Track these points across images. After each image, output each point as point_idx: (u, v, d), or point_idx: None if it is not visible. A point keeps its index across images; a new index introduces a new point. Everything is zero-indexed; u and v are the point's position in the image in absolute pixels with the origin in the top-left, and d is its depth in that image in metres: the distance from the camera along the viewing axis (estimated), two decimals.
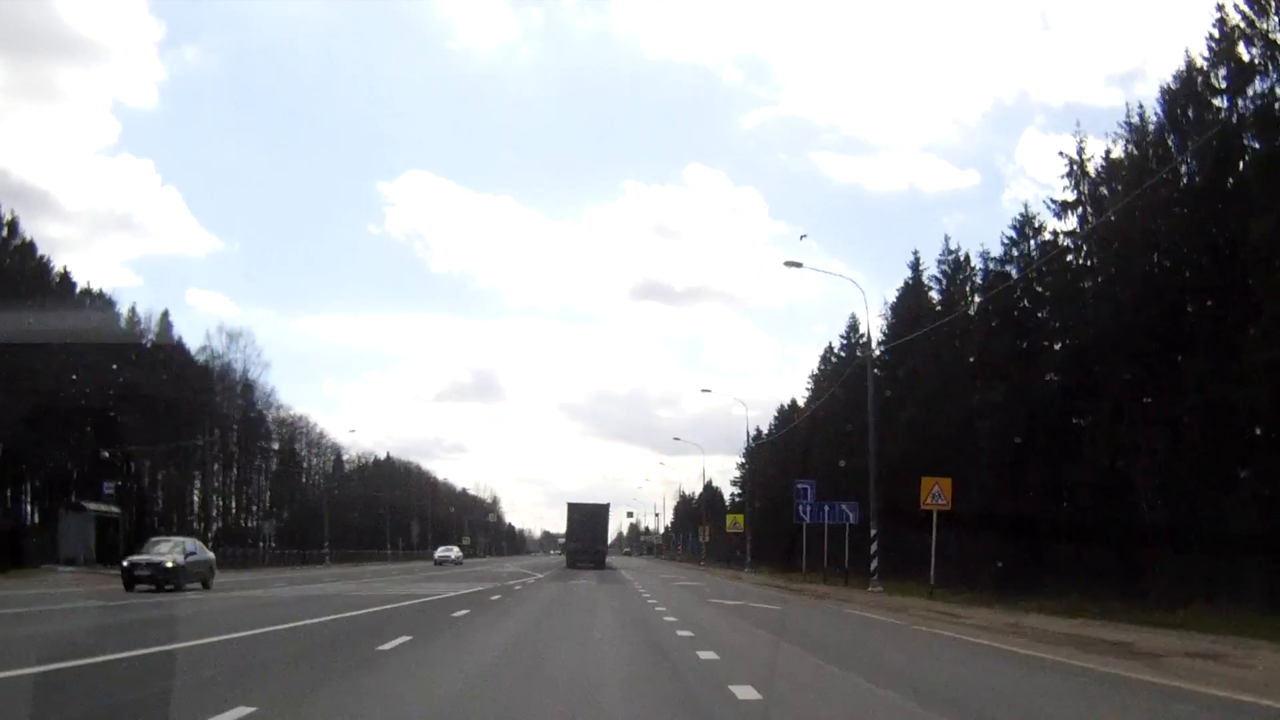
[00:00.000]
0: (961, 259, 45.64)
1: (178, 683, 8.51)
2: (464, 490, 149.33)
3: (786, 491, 68.14)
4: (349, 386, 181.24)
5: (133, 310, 63.14)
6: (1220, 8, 25.78)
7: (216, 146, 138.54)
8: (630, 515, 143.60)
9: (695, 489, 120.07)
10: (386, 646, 12.12)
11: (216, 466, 72.40)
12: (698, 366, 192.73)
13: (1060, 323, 36.36)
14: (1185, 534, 24.60)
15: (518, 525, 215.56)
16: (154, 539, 30.72)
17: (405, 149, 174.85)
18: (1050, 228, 36.62)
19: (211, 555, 31.91)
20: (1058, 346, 36.79)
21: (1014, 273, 38.05)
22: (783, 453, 72.43)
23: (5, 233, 50.41)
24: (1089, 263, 35.66)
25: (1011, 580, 28.92)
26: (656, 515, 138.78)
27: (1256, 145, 25.66)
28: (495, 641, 14.04)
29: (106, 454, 48.08)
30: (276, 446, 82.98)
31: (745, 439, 67.89)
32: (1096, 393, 31.71)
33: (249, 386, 76.46)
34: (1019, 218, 38.08)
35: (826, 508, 36.82)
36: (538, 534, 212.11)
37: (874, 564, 30.83)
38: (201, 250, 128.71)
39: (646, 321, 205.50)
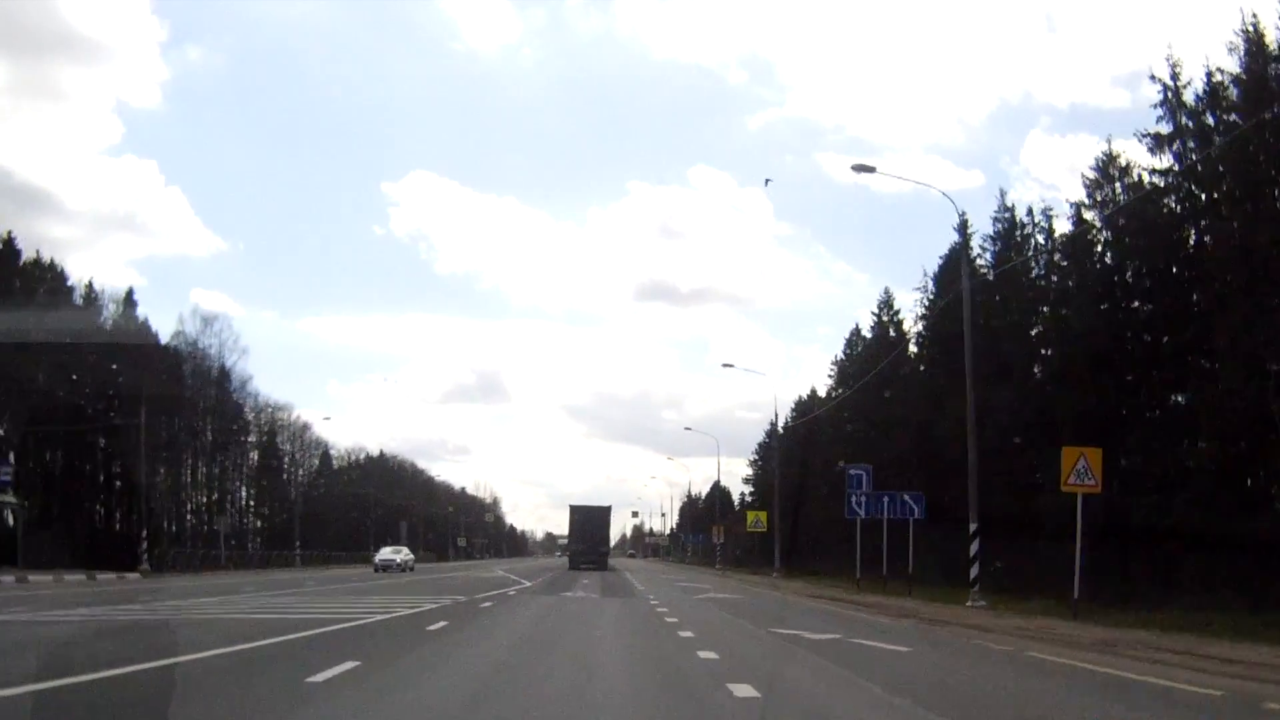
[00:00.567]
0: (1025, 215, 39.39)
1: None
2: (462, 490, 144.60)
3: (804, 489, 62.65)
4: (352, 388, 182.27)
5: (90, 287, 57.13)
6: None
7: (220, 147, 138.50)
8: (635, 515, 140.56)
9: (700, 490, 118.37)
10: None
11: (186, 458, 66.25)
12: (703, 368, 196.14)
13: (1153, 281, 30.37)
14: None
15: (522, 527, 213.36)
16: None
17: (409, 149, 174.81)
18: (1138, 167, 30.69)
19: None
20: (1149, 307, 30.91)
21: (1096, 220, 32.16)
22: (804, 447, 66.59)
23: None
24: (1187, 206, 29.70)
25: (1129, 590, 22.92)
26: (663, 515, 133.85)
27: None
28: None
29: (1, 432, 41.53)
30: (254, 438, 76.81)
31: (772, 421, 61.88)
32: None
33: (225, 373, 70.74)
34: (1102, 156, 32.12)
35: (885, 499, 30.26)
36: (540, 536, 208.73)
37: (975, 570, 24.20)
38: (205, 251, 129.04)
39: (651, 322, 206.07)
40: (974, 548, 24.09)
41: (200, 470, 68.45)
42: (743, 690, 8.79)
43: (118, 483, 56.64)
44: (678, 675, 10.34)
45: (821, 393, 74.22)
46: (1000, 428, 34.48)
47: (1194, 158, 28.87)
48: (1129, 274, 31.47)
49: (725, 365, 61.21)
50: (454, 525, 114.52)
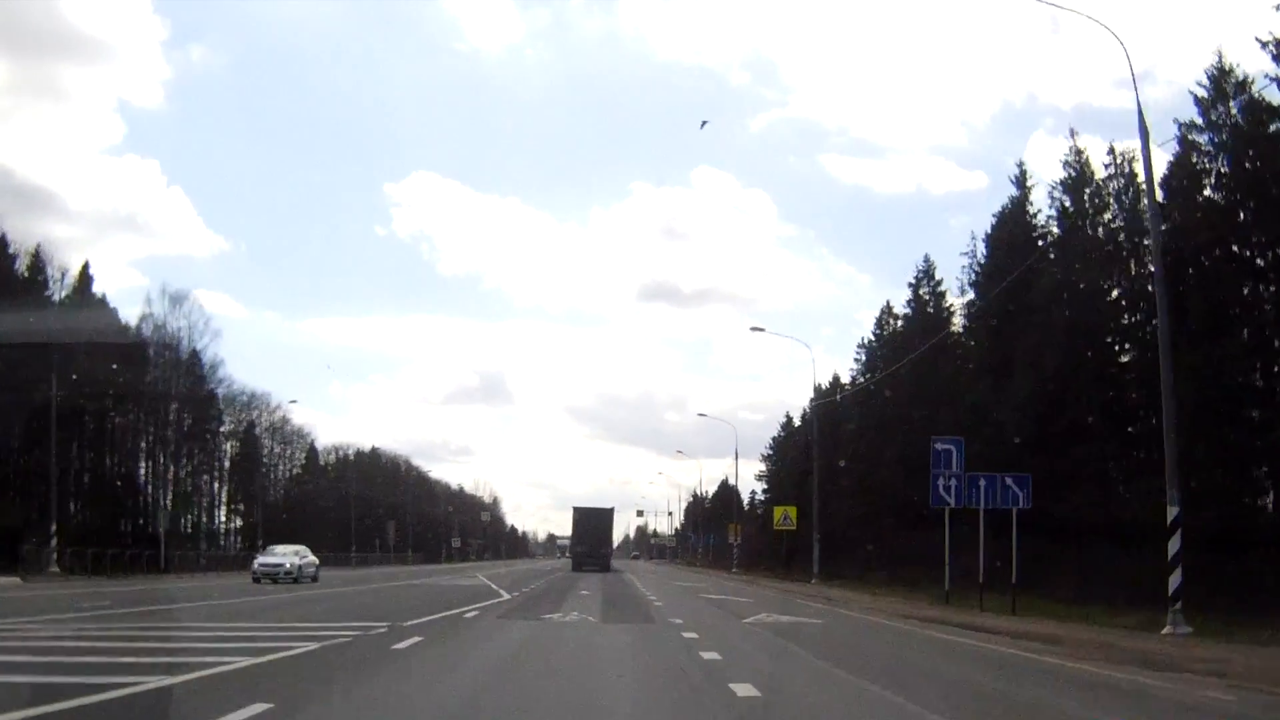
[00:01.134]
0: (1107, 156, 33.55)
1: None
2: (460, 489, 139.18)
3: (826, 486, 56.90)
4: (355, 389, 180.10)
5: (35, 254, 51.46)
6: None
7: (222, 147, 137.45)
8: (640, 514, 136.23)
9: (705, 490, 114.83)
10: None
11: (145, 449, 60.55)
12: (706, 369, 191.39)
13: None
14: None
15: (525, 529, 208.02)
16: None
17: (411, 150, 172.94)
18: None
19: None
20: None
21: (1207, 145, 26.37)
22: (827, 436, 60.79)
23: None
24: None
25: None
26: (670, 514, 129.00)
27: None
28: None
29: None
30: (228, 428, 71.04)
31: (815, 392, 55.52)
32: None
33: (195, 358, 65.07)
34: (1213, 69, 26.32)
35: (982, 483, 22.77)
36: (543, 537, 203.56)
37: (1175, 584, 16.99)
38: (208, 251, 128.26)
39: (654, 324, 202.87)
40: (1174, 545, 17.18)
41: (163, 462, 62.58)
42: None
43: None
44: None
45: (837, 385, 69.66)
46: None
47: None
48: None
49: (755, 329, 52.99)
50: (447, 525, 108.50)
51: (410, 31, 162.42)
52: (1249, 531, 21.74)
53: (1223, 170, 26.16)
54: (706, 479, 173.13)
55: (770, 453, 78.07)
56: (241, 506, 78.31)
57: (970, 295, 41.89)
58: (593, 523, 65.41)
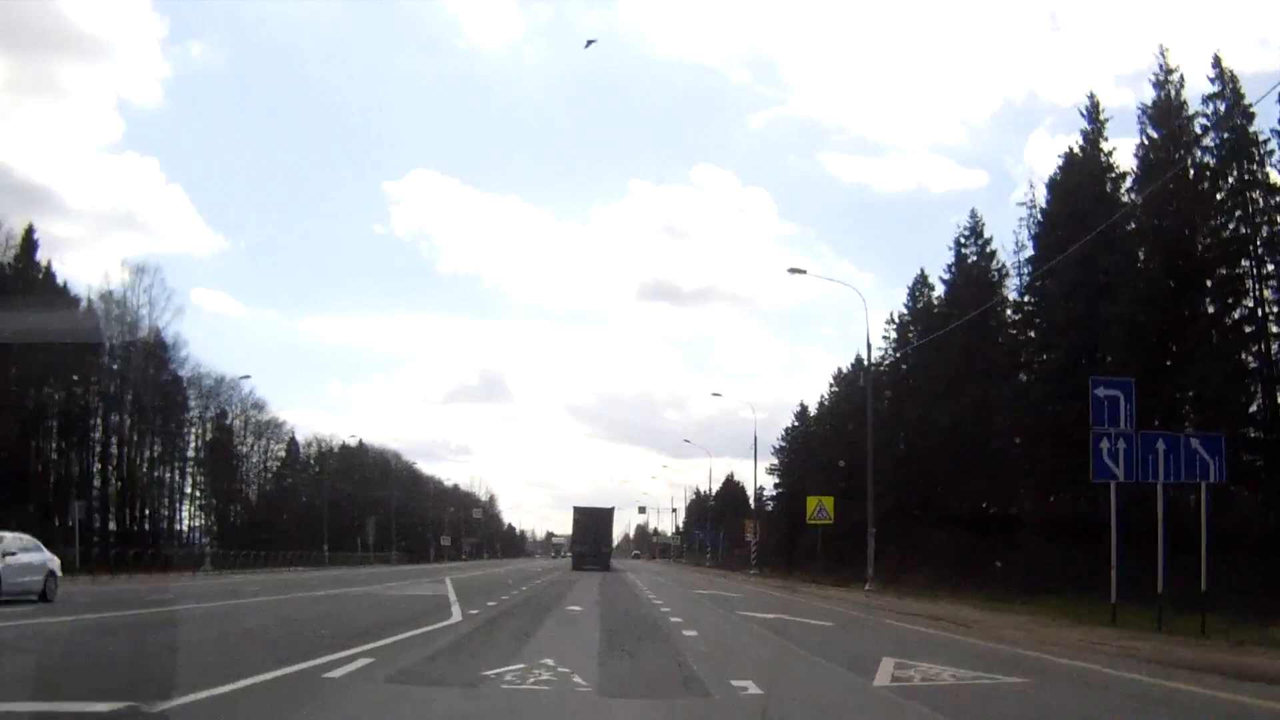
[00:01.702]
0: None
1: None
2: (455, 486, 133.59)
3: (843, 478, 51.40)
4: (354, 388, 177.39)
5: None
6: None
7: (221, 145, 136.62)
8: (642, 511, 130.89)
9: (708, 488, 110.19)
10: None
11: (97, 436, 54.87)
12: (706, 368, 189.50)
13: None
14: None
15: (525, 528, 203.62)
16: None
17: (410, 148, 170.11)
18: None
19: None
20: None
21: None
22: (836, 431, 55.37)
23: None
24: None
25: None
26: (675, 510, 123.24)
27: None
28: None
29: None
30: (193, 413, 65.32)
31: (871, 346, 49.68)
32: None
33: (159, 339, 59.42)
34: None
35: (1161, 445, 15.82)
36: (542, 536, 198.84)
37: None
38: (206, 250, 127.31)
39: (654, 323, 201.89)
40: None
41: (117, 451, 56.83)
42: None
43: None
44: None
45: (860, 365, 63.86)
46: None
47: None
48: None
49: (794, 270, 48.73)
50: (436, 522, 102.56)
51: (410, 29, 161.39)
52: None
53: None
54: (702, 479, 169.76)
55: (783, 444, 72.52)
56: (215, 502, 72.69)
57: (1028, 251, 36.34)
58: (593, 522, 65.96)
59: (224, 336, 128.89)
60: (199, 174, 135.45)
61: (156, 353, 59.26)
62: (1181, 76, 29.80)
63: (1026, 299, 36.74)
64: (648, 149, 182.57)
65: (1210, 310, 27.99)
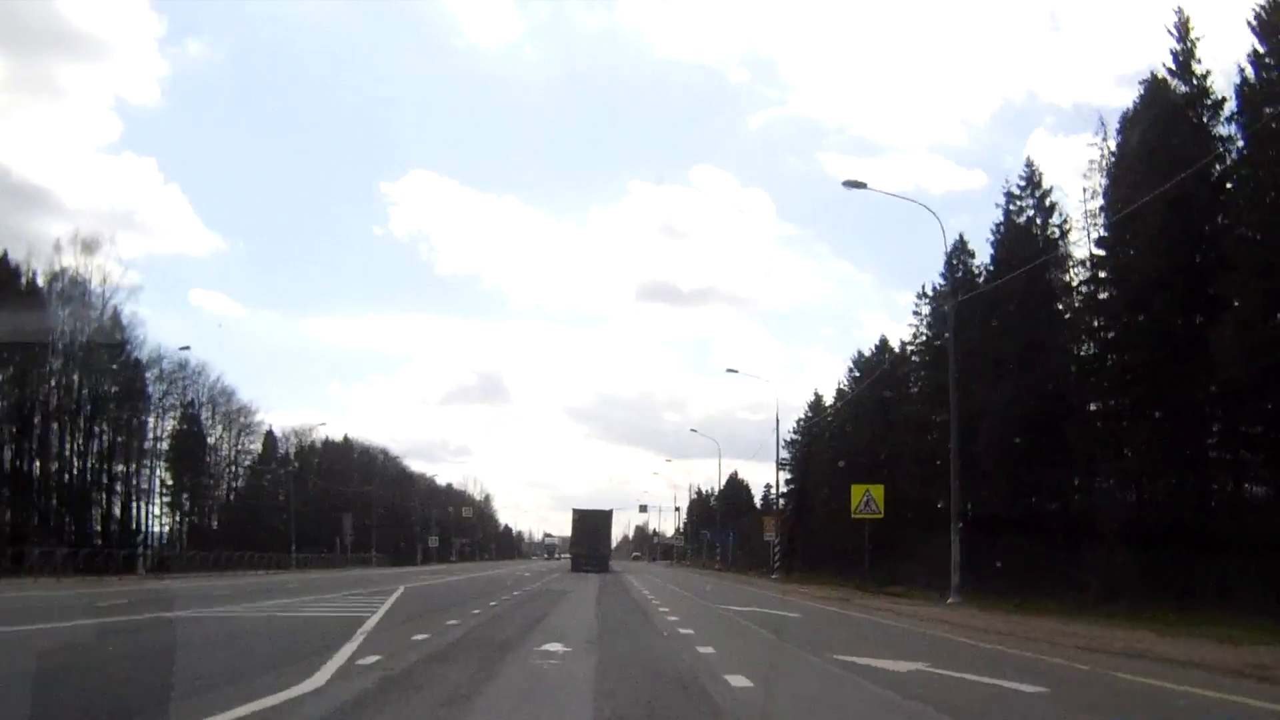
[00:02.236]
0: None
1: None
2: (448, 486, 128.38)
3: (887, 468, 46.14)
4: (353, 389, 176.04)
5: None
6: None
7: (219, 145, 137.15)
8: (644, 509, 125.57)
9: (702, 489, 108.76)
10: None
11: (37, 426, 49.49)
12: (705, 369, 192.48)
13: None
14: None
15: (524, 528, 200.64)
16: None
17: (408, 148, 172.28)
18: None
19: None
20: None
21: None
22: (863, 424, 50.12)
23: None
24: None
25: None
26: (678, 509, 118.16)
27: None
28: None
29: None
30: (155, 400, 59.93)
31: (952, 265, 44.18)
32: None
33: (116, 320, 54.15)
34: None
35: None
36: (540, 537, 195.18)
37: None
38: (205, 250, 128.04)
39: (653, 323, 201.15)
40: None
41: (63, 443, 51.46)
42: None
43: None
44: None
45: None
46: None
47: None
48: None
49: (852, 183, 43.96)
50: (424, 522, 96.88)
51: (408, 28, 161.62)
52: None
53: None
54: (705, 480, 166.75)
55: (795, 437, 67.11)
56: (186, 500, 67.30)
57: (1098, 200, 31.02)
58: (592, 524, 66.33)
59: (222, 337, 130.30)
60: (197, 174, 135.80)
61: (111, 334, 54.08)
62: None
63: (1098, 257, 31.33)
64: (647, 149, 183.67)
65: None
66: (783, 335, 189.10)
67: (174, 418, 63.82)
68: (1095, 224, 31.35)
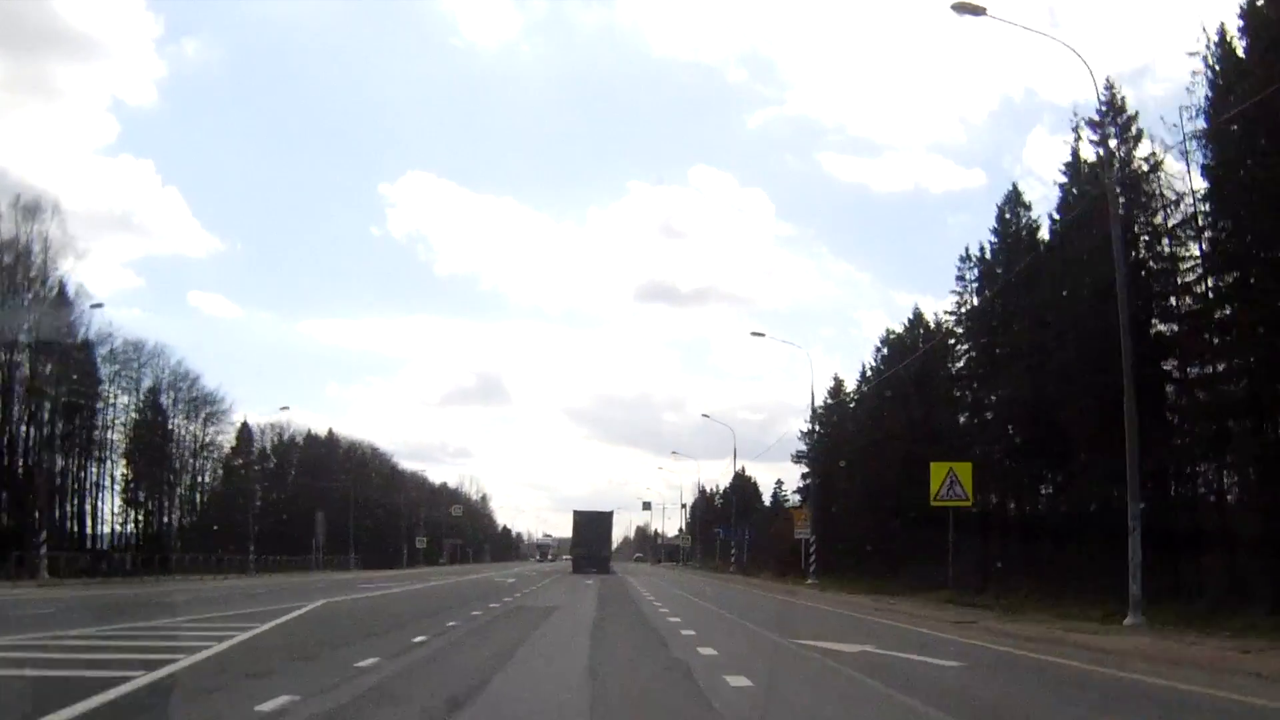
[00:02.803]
0: None
1: None
2: (443, 484, 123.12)
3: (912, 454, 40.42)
4: (352, 391, 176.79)
5: None
6: None
7: (217, 146, 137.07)
8: (647, 507, 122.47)
9: (707, 489, 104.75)
10: None
11: None
12: (704, 370, 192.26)
13: None
14: None
15: (523, 530, 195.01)
16: None
17: (406, 149, 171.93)
18: None
19: None
20: None
21: None
22: (898, 405, 44.48)
23: None
24: None
25: None
26: (684, 506, 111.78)
27: None
28: None
29: None
30: (108, 386, 54.31)
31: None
32: None
33: (61, 293, 48.55)
34: None
35: None
36: (539, 538, 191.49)
37: None
38: (203, 251, 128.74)
39: (652, 324, 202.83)
40: None
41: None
42: None
43: None
44: None
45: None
46: None
47: None
48: None
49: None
50: (410, 521, 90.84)
51: (405, 27, 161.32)
52: None
53: None
54: (707, 480, 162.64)
55: (812, 428, 61.17)
56: (145, 499, 61.55)
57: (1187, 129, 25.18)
58: (592, 526, 66.49)
59: (221, 338, 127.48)
60: (195, 176, 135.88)
61: (57, 309, 48.38)
62: None
63: (1199, 195, 25.52)
64: (645, 149, 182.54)
65: None
66: (782, 335, 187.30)
67: (134, 407, 58.22)
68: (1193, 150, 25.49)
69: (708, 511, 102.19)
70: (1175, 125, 24.46)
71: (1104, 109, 30.10)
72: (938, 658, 12.65)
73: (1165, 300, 27.70)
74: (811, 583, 37.36)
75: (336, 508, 74.81)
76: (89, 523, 54.33)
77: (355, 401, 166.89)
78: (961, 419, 39.06)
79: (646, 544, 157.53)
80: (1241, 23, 24.46)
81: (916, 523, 36.38)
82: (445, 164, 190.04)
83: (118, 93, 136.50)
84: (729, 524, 72.26)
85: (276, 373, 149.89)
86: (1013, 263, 35.60)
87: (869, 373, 52.39)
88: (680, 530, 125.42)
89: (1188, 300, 26.67)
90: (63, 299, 48.92)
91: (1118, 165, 29.69)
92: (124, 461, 58.99)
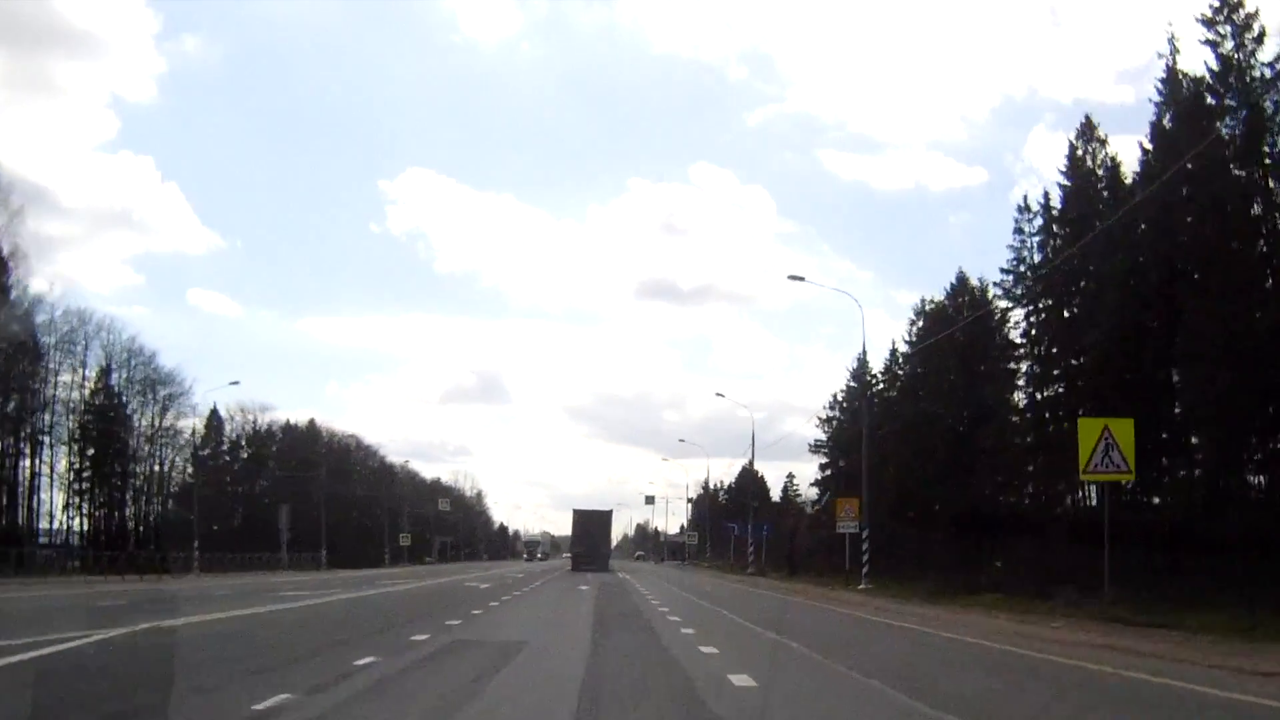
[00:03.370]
0: None
1: None
2: (437, 480, 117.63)
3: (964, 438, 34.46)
4: (351, 389, 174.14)
5: None
6: None
7: (216, 142, 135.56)
8: (650, 501, 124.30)
9: (711, 485, 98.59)
10: None
11: None
12: (704, 368, 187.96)
13: None
14: None
15: (522, 528, 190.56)
16: None
17: (406, 146, 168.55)
18: None
19: None
20: None
21: None
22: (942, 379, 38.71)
23: None
24: None
25: None
26: (690, 501, 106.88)
27: None
28: None
29: None
30: (54, 365, 48.54)
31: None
32: None
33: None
34: None
35: None
36: (527, 533, 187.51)
37: None
38: (203, 248, 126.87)
39: (652, 322, 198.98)
40: None
41: None
42: None
43: None
44: None
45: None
46: None
47: None
48: None
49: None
50: (394, 517, 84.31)
51: (405, 23, 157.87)
52: None
53: None
54: (707, 476, 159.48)
55: (831, 415, 55.38)
56: (96, 492, 55.75)
57: None
58: (592, 524, 66.93)
59: (220, 337, 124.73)
60: (195, 172, 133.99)
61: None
62: None
63: None
64: (645, 146, 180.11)
65: None
66: (783, 334, 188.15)
67: (79, 385, 52.41)
68: None
69: (712, 508, 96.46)
70: None
71: (1218, 4, 24.28)
72: None
73: None
74: (862, 587, 30.65)
75: (313, 502, 68.92)
76: (22, 515, 48.33)
77: (355, 400, 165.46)
78: (1021, 395, 33.42)
79: (648, 541, 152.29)
80: None
81: (972, 518, 30.75)
82: (445, 161, 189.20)
83: (117, 89, 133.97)
84: (741, 520, 65.54)
85: (276, 371, 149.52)
86: (1086, 208, 29.88)
87: (899, 351, 46.73)
88: (683, 527, 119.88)
89: None
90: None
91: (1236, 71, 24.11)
92: (75, 449, 53.40)
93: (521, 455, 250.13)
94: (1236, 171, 23.49)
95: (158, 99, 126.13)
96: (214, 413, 69.70)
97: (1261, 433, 20.93)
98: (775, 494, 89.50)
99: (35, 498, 49.74)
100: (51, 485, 51.44)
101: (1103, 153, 30.70)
